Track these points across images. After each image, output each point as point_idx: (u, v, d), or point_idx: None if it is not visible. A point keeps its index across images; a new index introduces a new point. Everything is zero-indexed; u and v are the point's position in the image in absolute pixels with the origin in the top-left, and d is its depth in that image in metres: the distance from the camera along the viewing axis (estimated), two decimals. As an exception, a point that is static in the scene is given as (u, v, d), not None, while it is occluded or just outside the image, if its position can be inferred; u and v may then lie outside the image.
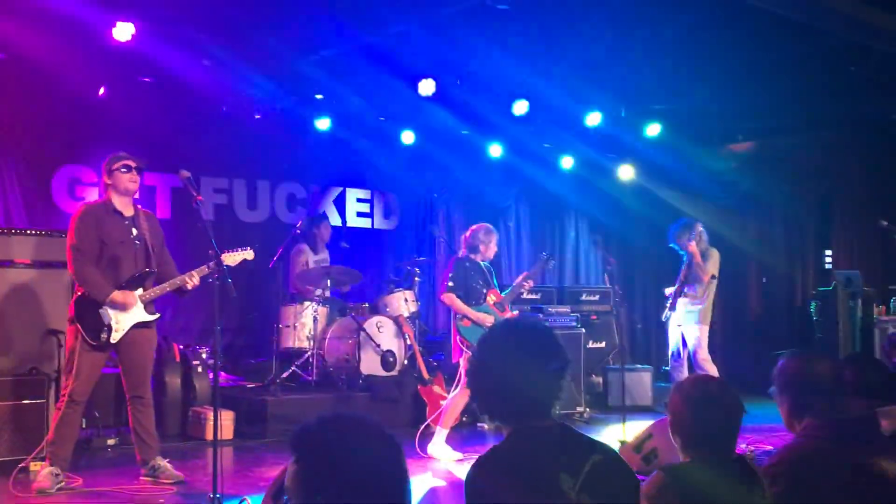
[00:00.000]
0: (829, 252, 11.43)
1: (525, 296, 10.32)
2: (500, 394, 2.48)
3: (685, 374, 8.27)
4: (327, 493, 1.93)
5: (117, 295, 5.64)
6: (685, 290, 8.45)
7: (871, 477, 2.89)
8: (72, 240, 5.69)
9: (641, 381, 9.54)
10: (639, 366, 10.06)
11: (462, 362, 6.96)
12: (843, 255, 11.18)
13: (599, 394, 9.56)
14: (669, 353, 8.72)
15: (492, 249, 7.28)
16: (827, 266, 11.38)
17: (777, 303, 11.62)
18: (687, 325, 8.44)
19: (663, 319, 8.81)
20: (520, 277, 7.52)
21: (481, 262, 7.26)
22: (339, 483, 1.92)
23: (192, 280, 5.75)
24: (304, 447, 1.98)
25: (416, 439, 6.93)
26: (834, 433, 3.01)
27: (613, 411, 8.87)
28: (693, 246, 8.36)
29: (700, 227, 8.51)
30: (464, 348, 6.92)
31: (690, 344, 8.41)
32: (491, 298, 7.18)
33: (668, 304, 8.61)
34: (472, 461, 2.43)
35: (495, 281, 7.37)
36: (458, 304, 7.02)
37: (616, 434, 7.10)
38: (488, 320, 6.96)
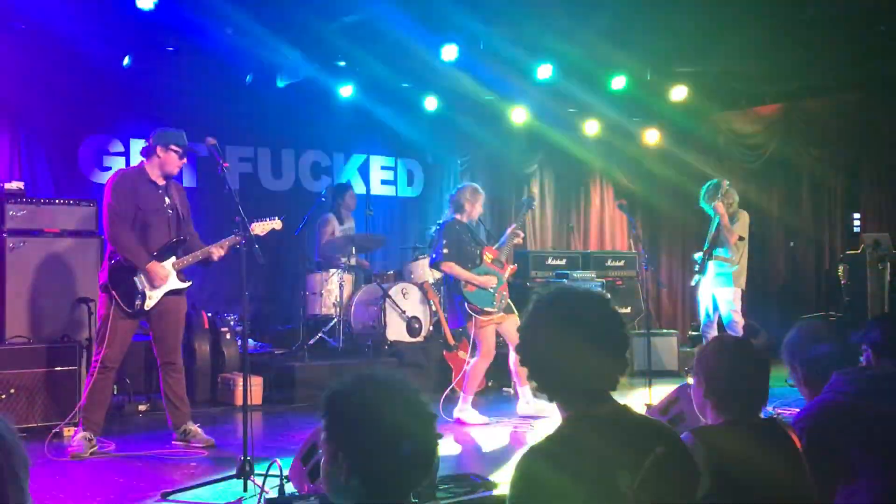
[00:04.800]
0: (857, 215, 11.32)
1: (550, 261, 10.38)
2: (553, 374, 2.29)
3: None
4: (353, 452, 1.96)
5: (154, 265, 5.71)
6: (714, 252, 8.30)
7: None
8: (109, 203, 5.74)
9: (667, 345, 9.54)
10: (664, 330, 10.05)
11: (472, 328, 6.99)
12: (871, 217, 11.07)
13: (625, 359, 9.54)
14: (700, 317, 8.58)
15: (477, 210, 7.24)
16: (855, 229, 11.28)
17: (805, 266, 11.55)
18: (719, 287, 8.29)
19: (693, 284, 8.70)
20: (509, 229, 7.43)
21: (468, 222, 7.22)
22: (365, 443, 1.94)
23: (220, 251, 5.81)
24: (334, 405, 2.00)
25: (441, 403, 6.99)
26: (862, 389, 3.00)
27: (639, 376, 8.86)
28: (720, 206, 8.18)
29: (726, 187, 8.29)
30: (473, 314, 6.94)
31: (722, 307, 8.25)
32: (487, 257, 7.14)
33: (696, 269, 8.48)
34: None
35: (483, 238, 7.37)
36: (459, 271, 7.00)
37: (642, 398, 7.11)
38: (492, 282, 7.00)
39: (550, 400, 2.34)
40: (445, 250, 7.03)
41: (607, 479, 2.13)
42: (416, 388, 2.03)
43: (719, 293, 8.27)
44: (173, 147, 5.82)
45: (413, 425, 1.97)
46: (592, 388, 2.28)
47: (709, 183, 8.45)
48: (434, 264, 7.22)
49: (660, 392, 6.33)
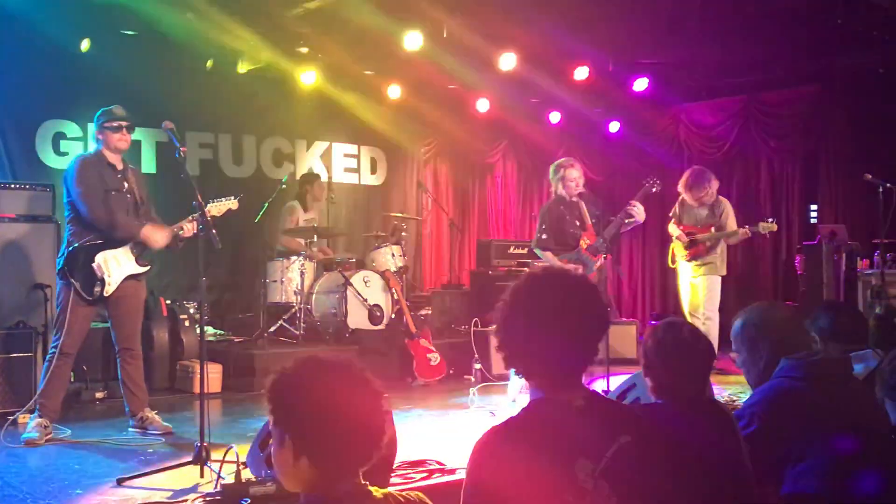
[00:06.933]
0: (814, 206, 11.50)
1: (512, 250, 10.42)
2: (526, 353, 2.25)
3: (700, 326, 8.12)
4: (298, 434, 1.98)
5: (146, 230, 5.70)
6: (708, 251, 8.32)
7: (846, 418, 2.94)
8: (80, 189, 5.67)
9: (626, 334, 9.61)
10: (623, 319, 10.14)
11: None
12: (828, 209, 11.24)
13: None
14: (686, 307, 8.55)
15: (572, 183, 6.92)
16: (812, 220, 11.45)
17: (762, 257, 11.69)
18: (700, 276, 8.35)
19: (671, 265, 8.69)
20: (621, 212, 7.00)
21: (576, 199, 6.98)
22: (309, 423, 1.96)
23: (190, 225, 5.71)
24: (277, 389, 2.02)
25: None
26: (810, 374, 3.06)
27: (598, 364, 8.92)
28: (747, 233, 8.22)
29: (713, 181, 8.33)
30: None
31: (701, 295, 8.33)
32: (584, 242, 6.96)
33: (685, 254, 8.40)
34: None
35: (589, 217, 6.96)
36: (546, 257, 6.89)
37: (600, 386, 7.18)
38: (577, 271, 6.85)
39: (520, 376, 2.33)
40: (543, 236, 6.92)
41: (564, 465, 2.11)
42: (360, 368, 2.06)
43: (700, 282, 8.31)
44: (106, 125, 5.78)
45: (357, 403, 1.99)
46: (565, 372, 2.25)
47: (694, 170, 8.47)
48: (532, 249, 7.06)
49: (618, 380, 6.40)
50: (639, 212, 6.88)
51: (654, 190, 7.28)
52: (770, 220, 8.24)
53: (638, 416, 2.33)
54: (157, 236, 5.74)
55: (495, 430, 2.20)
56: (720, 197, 8.49)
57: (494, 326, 2.36)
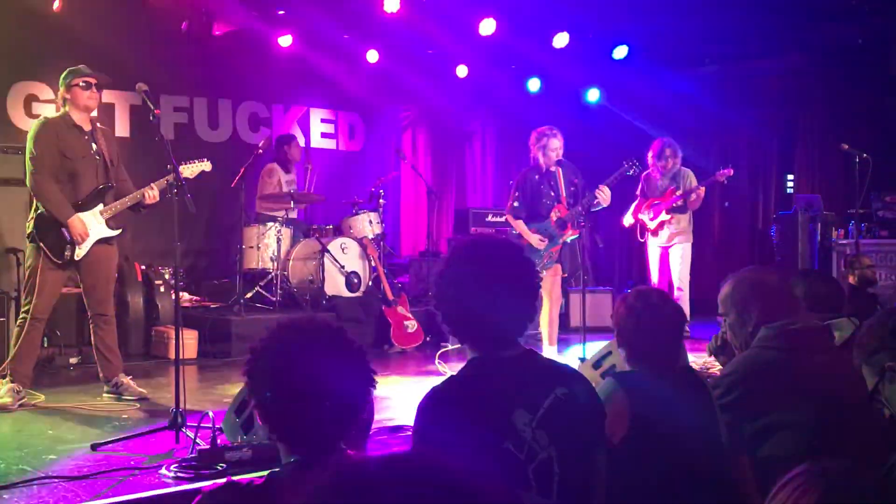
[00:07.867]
0: (791, 176, 11.55)
1: (490, 218, 10.41)
2: (462, 318, 2.34)
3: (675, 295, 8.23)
4: (258, 402, 1.96)
5: (76, 220, 5.56)
6: (673, 216, 8.39)
7: (825, 385, 2.95)
8: (31, 152, 5.57)
9: (603, 301, 9.66)
10: (600, 287, 10.17)
11: None
12: (804, 179, 11.29)
13: (561, 315, 9.62)
14: (654, 279, 8.58)
15: (550, 155, 6.87)
16: (789, 190, 11.50)
17: (739, 226, 11.74)
18: (679, 244, 8.41)
19: (641, 239, 8.76)
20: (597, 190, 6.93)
21: (553, 169, 6.91)
22: (267, 394, 1.95)
23: (152, 192, 5.66)
24: (251, 354, 2.01)
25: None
26: (788, 343, 3.06)
27: (574, 332, 8.96)
28: (702, 192, 8.34)
29: (678, 152, 8.44)
30: None
31: (675, 265, 8.39)
32: (555, 214, 6.95)
33: (653, 227, 8.46)
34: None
35: (564, 188, 6.90)
36: (515, 224, 6.94)
37: (576, 353, 7.21)
38: (540, 241, 6.86)
39: (461, 343, 2.39)
40: (515, 203, 6.94)
41: (503, 416, 2.19)
42: (343, 339, 2.01)
43: (673, 251, 8.37)
44: (74, 83, 5.65)
45: (331, 378, 1.95)
46: (501, 334, 2.32)
47: (660, 140, 8.53)
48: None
49: (594, 347, 6.42)
50: (604, 197, 6.88)
51: (630, 172, 7.30)
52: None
53: (573, 372, 2.42)
54: (79, 230, 5.57)
55: (435, 390, 2.29)
56: (683, 168, 8.56)
57: (434, 294, 2.41)
